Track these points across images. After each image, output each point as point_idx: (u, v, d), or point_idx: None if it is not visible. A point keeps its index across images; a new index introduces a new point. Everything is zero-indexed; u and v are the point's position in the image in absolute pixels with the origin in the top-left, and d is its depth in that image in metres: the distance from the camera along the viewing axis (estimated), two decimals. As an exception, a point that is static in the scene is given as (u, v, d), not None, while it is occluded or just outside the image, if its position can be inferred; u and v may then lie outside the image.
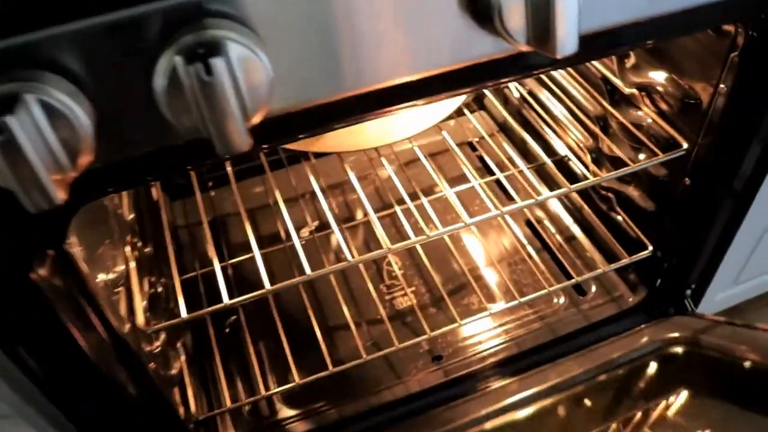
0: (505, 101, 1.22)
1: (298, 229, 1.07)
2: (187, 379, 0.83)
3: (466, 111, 1.17)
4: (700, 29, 0.65)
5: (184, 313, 0.66)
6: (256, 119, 0.40)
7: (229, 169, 0.98)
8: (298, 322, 0.95)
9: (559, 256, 1.03)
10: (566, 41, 0.43)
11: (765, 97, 0.67)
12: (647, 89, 0.85)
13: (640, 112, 0.87)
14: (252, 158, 1.10)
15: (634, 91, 0.87)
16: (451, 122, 1.18)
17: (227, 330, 0.95)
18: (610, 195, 1.00)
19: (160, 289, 0.78)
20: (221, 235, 1.09)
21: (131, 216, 0.74)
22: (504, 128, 1.25)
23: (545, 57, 0.44)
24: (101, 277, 0.59)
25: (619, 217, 0.99)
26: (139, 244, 0.74)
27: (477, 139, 1.23)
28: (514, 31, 0.43)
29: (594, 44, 0.51)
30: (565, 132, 1.08)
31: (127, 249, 0.68)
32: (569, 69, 0.99)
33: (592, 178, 0.85)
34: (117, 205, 0.69)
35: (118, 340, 0.60)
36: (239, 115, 0.38)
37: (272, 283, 0.72)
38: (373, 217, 0.80)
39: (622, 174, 0.84)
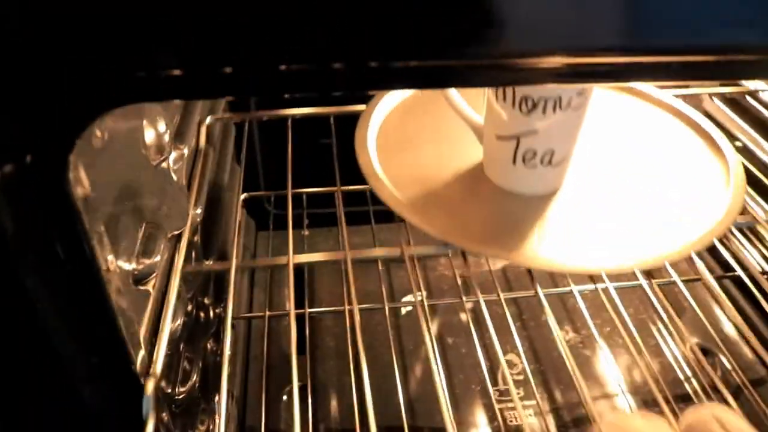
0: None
1: (403, 294, 0.86)
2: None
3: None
4: None
5: (228, 351, 0.45)
6: None
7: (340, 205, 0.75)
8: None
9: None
10: None
11: None
12: None
13: None
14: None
15: None
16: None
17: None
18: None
19: (201, 315, 0.57)
20: (304, 282, 0.88)
21: (198, 209, 0.56)
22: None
23: None
24: (121, 263, 0.40)
25: None
26: (196, 248, 0.55)
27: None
28: None
29: None
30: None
31: (183, 242, 0.49)
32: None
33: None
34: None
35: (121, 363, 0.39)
36: None
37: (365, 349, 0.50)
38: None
39: None
